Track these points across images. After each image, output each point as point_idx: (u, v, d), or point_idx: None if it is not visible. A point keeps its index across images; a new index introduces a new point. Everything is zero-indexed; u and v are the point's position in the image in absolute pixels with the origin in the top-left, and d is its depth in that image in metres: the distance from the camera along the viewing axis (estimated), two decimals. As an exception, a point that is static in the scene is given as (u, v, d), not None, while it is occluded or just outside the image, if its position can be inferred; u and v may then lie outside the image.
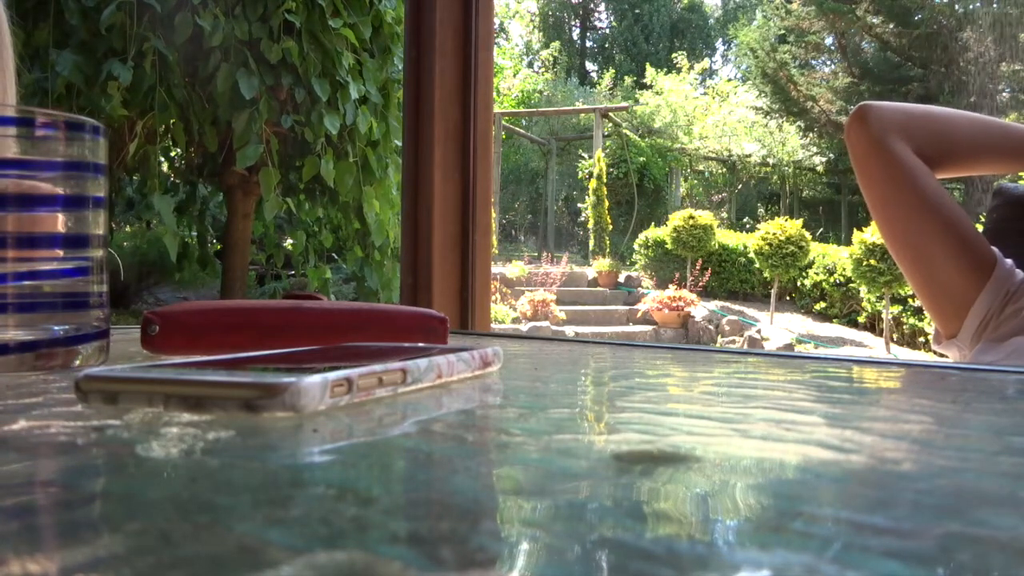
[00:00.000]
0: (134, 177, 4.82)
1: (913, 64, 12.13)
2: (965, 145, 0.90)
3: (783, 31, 13.45)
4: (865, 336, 7.92)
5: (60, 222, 0.40)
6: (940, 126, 0.90)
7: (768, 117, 12.87)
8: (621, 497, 0.17)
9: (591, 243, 9.85)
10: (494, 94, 1.93)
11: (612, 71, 17.31)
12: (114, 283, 0.91)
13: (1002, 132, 0.90)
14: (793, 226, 7.98)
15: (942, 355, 0.91)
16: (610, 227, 9.85)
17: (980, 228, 1.10)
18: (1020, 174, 5.85)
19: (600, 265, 9.00)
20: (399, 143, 4.05)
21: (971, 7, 11.68)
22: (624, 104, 13.20)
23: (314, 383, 0.26)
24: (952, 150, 0.89)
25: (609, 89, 16.46)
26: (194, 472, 0.19)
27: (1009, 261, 0.86)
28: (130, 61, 3.58)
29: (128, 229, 6.32)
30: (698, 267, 8.69)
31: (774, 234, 7.90)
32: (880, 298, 7.54)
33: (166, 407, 0.26)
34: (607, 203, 9.81)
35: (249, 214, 4.99)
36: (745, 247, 8.93)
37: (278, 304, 0.53)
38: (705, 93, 15.36)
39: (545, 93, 15.74)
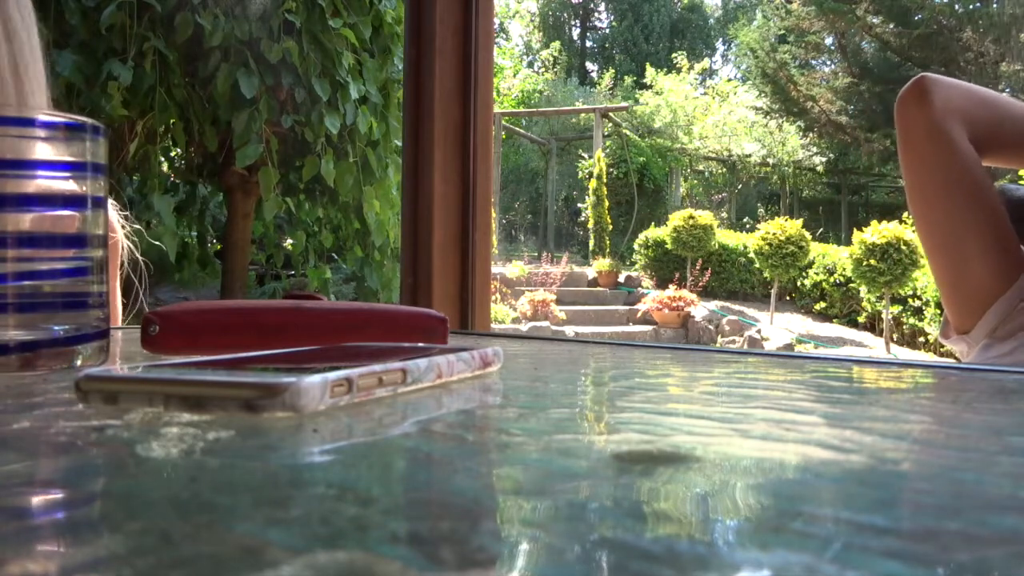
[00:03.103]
0: (134, 177, 4.81)
1: (913, 64, 12.12)
2: (1018, 135, 0.86)
3: (783, 31, 13.44)
4: (865, 336, 7.91)
5: (60, 222, 0.40)
6: (999, 113, 0.85)
7: (768, 117, 12.86)
8: (621, 497, 0.17)
9: (591, 243, 9.85)
10: (494, 94, 1.93)
11: (612, 71, 17.31)
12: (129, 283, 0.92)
13: None
14: (793, 226, 7.98)
15: (947, 349, 0.90)
16: (610, 227, 9.84)
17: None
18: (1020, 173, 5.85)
19: (600, 265, 8.99)
20: (399, 143, 4.05)
21: (971, 7, 11.67)
22: (624, 104, 13.19)
23: (314, 383, 0.26)
24: (1004, 139, 0.85)
25: (609, 89, 16.45)
26: (194, 472, 0.19)
27: None
28: (130, 61, 3.58)
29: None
30: (698, 267, 8.69)
31: (774, 234, 7.90)
32: (880, 298, 7.54)
33: (166, 407, 0.26)
34: (607, 203, 9.81)
35: (249, 214, 4.99)
36: (745, 247, 8.93)
37: (278, 304, 0.53)
38: (705, 93, 15.35)
39: (545, 93, 15.74)
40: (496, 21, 11.05)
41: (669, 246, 9.03)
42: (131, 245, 0.89)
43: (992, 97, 0.87)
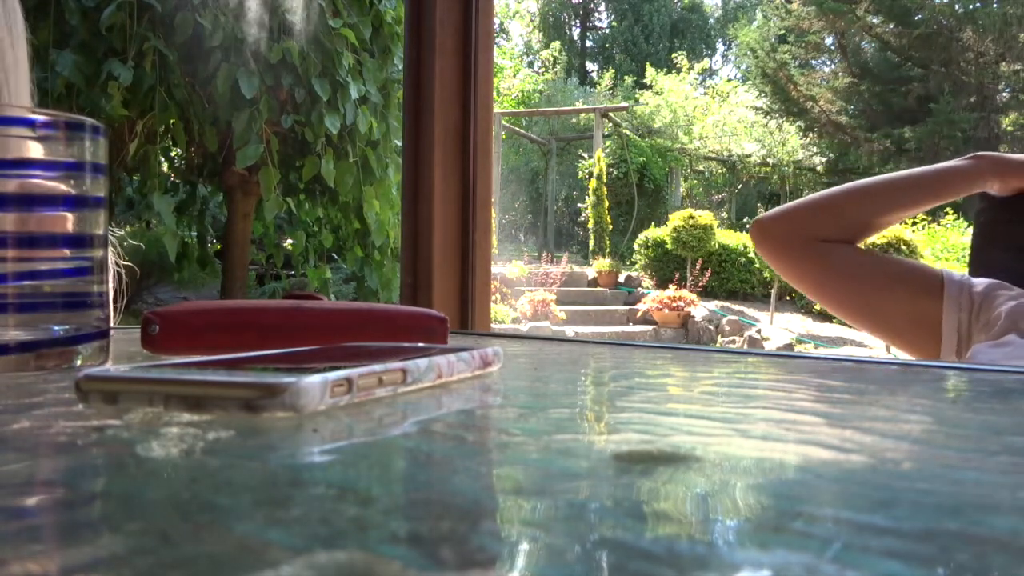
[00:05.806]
0: (134, 177, 4.81)
1: (913, 64, 12.12)
2: (854, 214, 0.97)
3: (783, 31, 13.44)
4: (865, 336, 7.91)
5: (60, 222, 0.40)
6: (824, 211, 0.98)
7: (768, 117, 12.86)
8: (621, 497, 0.17)
9: (591, 243, 9.84)
10: (494, 94, 1.93)
11: (612, 71, 17.31)
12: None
13: (887, 186, 0.97)
14: (793, 226, 7.97)
15: None
16: (610, 227, 9.84)
17: (971, 229, 1.10)
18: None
19: (600, 265, 8.99)
20: (399, 143, 4.05)
21: (971, 7, 11.67)
22: (624, 104, 13.19)
23: (314, 383, 0.26)
24: (851, 223, 0.96)
25: (609, 89, 16.45)
26: (194, 472, 0.19)
27: (959, 274, 0.91)
28: (130, 61, 3.58)
29: (128, 229, 6.33)
30: (698, 267, 8.69)
31: (774, 234, 7.88)
32: (880, 298, 7.53)
33: (166, 407, 0.26)
34: (607, 203, 9.80)
35: (249, 214, 4.99)
36: (745, 247, 8.93)
37: (278, 304, 0.53)
38: (705, 93, 15.34)
39: (545, 93, 15.74)
40: (496, 21, 11.05)
41: (669, 246, 9.02)
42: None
43: (810, 203, 1.00)
